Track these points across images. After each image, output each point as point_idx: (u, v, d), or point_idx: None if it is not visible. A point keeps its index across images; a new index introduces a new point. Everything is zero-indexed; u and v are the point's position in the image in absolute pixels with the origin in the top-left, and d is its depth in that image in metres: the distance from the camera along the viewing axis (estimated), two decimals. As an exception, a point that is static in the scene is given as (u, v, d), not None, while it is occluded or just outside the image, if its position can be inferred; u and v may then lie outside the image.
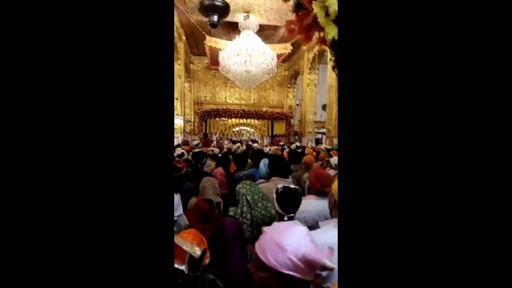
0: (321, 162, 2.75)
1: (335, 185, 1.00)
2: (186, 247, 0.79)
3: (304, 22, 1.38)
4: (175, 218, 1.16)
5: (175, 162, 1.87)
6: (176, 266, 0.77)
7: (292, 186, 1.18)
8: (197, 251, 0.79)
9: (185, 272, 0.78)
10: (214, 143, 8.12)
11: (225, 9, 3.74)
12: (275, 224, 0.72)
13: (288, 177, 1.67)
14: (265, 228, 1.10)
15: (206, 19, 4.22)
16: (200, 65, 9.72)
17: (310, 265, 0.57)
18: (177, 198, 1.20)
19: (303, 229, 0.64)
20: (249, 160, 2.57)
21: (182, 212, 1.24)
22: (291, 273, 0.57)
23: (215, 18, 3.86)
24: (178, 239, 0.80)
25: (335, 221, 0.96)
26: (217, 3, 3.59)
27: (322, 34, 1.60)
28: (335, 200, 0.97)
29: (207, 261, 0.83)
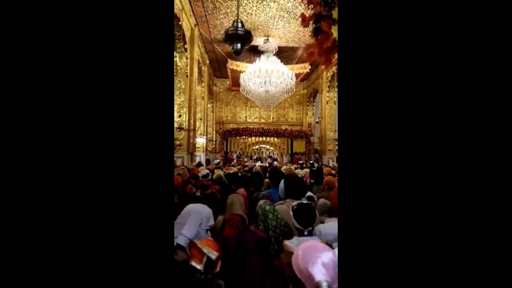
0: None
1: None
2: (205, 250, 0.91)
3: (324, 46, 1.43)
4: (206, 228, 1.25)
5: (204, 180, 1.95)
6: (193, 264, 0.89)
7: (305, 201, 1.27)
8: (214, 254, 0.92)
9: (202, 271, 0.89)
10: (235, 161, 8.23)
11: (247, 38, 4.05)
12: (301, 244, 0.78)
13: (303, 198, 1.66)
14: (286, 242, 1.12)
15: (230, 47, 4.60)
16: (222, 87, 10.17)
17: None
18: (209, 210, 1.31)
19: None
20: (266, 180, 2.58)
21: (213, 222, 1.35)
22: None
23: (238, 46, 4.19)
24: (199, 243, 0.94)
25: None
26: (240, 32, 3.90)
27: (342, 56, 1.64)
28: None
29: (218, 269, 0.94)
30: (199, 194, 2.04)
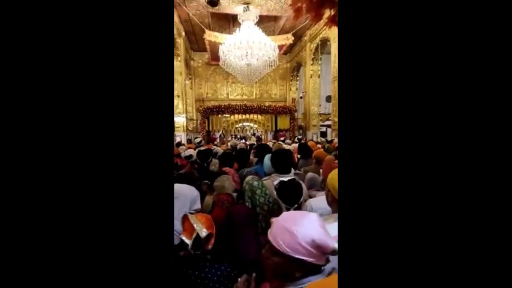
0: (334, 153, 2.60)
1: (329, 179, 0.96)
2: (196, 226, 0.87)
3: (314, -3, 1.22)
4: (191, 212, 1.12)
5: (178, 159, 1.75)
6: (183, 238, 0.86)
7: (286, 178, 1.19)
8: (203, 232, 0.87)
9: (189, 247, 0.85)
10: (218, 140, 8.01)
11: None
12: (285, 213, 0.73)
13: (289, 173, 1.56)
14: (273, 219, 1.09)
15: (205, 14, 4.01)
16: (200, 61, 9.56)
17: (321, 249, 0.60)
18: (197, 192, 1.14)
19: (313, 215, 0.66)
20: (251, 157, 2.45)
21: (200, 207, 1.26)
22: (303, 257, 0.59)
23: None
24: (192, 217, 0.89)
25: (335, 216, 0.94)
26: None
27: (333, 12, 1.44)
28: (332, 195, 0.94)
29: (210, 247, 0.89)
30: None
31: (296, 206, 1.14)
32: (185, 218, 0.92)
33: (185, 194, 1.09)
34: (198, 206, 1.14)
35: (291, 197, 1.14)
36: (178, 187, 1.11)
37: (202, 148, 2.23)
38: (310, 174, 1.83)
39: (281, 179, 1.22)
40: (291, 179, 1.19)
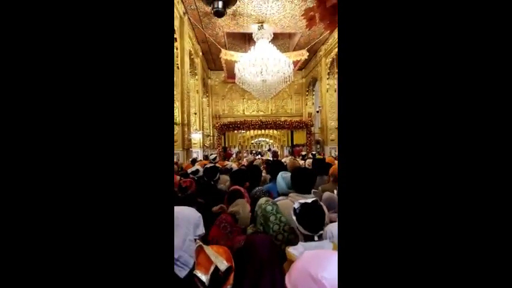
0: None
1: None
2: (214, 258, 0.75)
3: (327, 4, 1.14)
4: (195, 237, 0.97)
5: (181, 181, 1.66)
6: (198, 274, 0.73)
7: (310, 200, 1.03)
8: (223, 265, 0.75)
9: (206, 284, 0.73)
10: (234, 156, 7.98)
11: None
12: (306, 251, 0.61)
13: (310, 193, 1.40)
14: (290, 250, 0.90)
15: (221, 34, 4.10)
16: (217, 80, 9.84)
17: None
18: (198, 215, 1.03)
19: None
20: (264, 174, 2.31)
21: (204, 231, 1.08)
22: None
23: (220, 4, 3.57)
24: (208, 249, 0.78)
25: None
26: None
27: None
28: None
29: (229, 287, 0.76)
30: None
31: (321, 232, 0.98)
32: (200, 251, 0.79)
33: (187, 219, 0.96)
34: (201, 230, 1.02)
35: (314, 223, 0.98)
36: (178, 211, 1.00)
37: (208, 165, 2.14)
38: (327, 194, 1.66)
39: (302, 200, 1.07)
40: (314, 201, 1.03)
